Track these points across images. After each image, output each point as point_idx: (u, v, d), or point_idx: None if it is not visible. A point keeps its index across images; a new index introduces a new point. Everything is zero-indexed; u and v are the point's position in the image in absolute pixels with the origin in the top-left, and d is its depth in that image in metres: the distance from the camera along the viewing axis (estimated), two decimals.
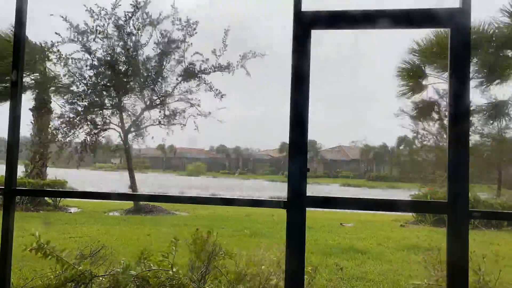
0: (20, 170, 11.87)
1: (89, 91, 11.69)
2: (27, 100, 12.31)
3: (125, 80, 11.66)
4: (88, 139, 11.90)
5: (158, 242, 7.03)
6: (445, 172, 2.72)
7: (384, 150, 15.26)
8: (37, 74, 12.22)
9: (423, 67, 11.20)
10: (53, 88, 12.34)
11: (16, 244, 3.27)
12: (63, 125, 11.85)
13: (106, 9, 11.24)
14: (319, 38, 2.91)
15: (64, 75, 11.75)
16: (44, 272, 4.44)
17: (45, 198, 11.66)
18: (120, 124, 12.13)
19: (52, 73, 12.11)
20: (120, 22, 11.27)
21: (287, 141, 2.86)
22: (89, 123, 11.88)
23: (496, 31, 10.10)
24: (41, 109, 12.54)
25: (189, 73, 11.44)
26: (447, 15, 2.75)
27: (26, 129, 12.54)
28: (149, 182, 15.48)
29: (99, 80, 11.66)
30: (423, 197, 10.47)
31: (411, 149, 13.60)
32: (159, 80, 11.64)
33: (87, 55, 11.44)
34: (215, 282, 4.19)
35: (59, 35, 11.27)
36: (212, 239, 4.34)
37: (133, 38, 11.39)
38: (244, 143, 16.27)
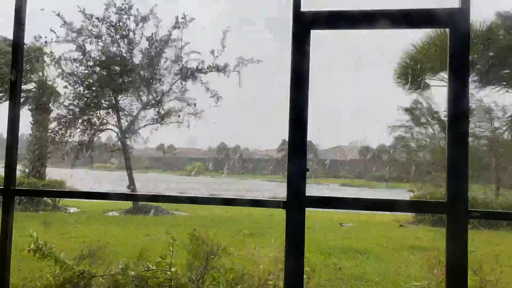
0: (19, 169, 11.88)
1: (85, 91, 11.67)
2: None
3: (120, 79, 11.64)
4: (86, 138, 11.89)
5: (157, 242, 7.02)
6: (444, 172, 2.72)
7: (383, 150, 15.26)
8: (35, 80, 12.24)
9: (422, 67, 11.20)
10: (49, 91, 12.36)
11: (15, 244, 3.27)
12: (60, 126, 11.84)
13: (95, 14, 11.26)
14: (319, 37, 2.91)
15: (58, 76, 11.75)
16: (43, 272, 4.44)
17: (44, 198, 11.64)
18: (117, 124, 12.13)
19: (49, 77, 12.15)
20: (112, 24, 11.27)
21: (287, 140, 2.87)
22: (85, 123, 11.86)
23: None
24: (40, 109, 12.54)
25: (186, 72, 11.42)
26: (446, 15, 2.75)
27: (25, 128, 12.56)
28: (148, 182, 15.47)
29: (94, 81, 11.65)
30: (422, 197, 10.47)
31: (410, 149, 13.60)
32: (155, 79, 11.63)
33: (81, 56, 11.43)
34: (213, 282, 4.20)
35: (54, 32, 11.24)
36: (209, 239, 4.34)
37: (128, 38, 11.37)
38: (243, 142, 16.27)
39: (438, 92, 11.51)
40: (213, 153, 16.94)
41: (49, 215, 11.11)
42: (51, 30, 11.23)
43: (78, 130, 11.87)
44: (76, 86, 11.65)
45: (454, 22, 2.72)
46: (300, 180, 2.82)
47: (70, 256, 4.38)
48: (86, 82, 11.64)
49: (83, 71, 11.56)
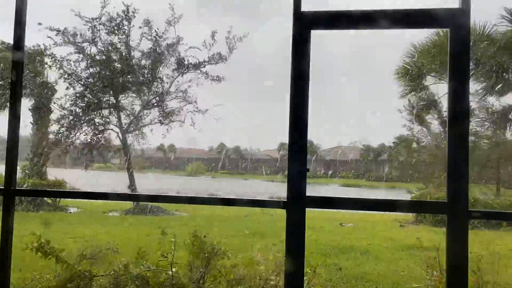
0: (20, 170, 11.89)
1: (86, 92, 11.69)
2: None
3: (121, 79, 11.65)
4: (92, 139, 11.90)
5: (158, 242, 7.02)
6: (445, 172, 2.72)
7: (383, 150, 15.25)
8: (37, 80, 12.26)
9: (422, 67, 11.21)
10: (50, 93, 12.38)
11: (15, 244, 3.27)
12: (63, 129, 11.85)
13: (91, 16, 11.27)
14: (320, 38, 2.92)
15: (60, 78, 11.76)
16: (44, 272, 4.44)
17: (45, 198, 11.65)
18: (118, 124, 12.13)
19: (49, 79, 12.17)
20: (108, 25, 11.29)
21: (287, 141, 2.87)
22: (88, 124, 11.87)
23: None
24: (41, 109, 12.54)
25: (184, 67, 11.42)
26: (446, 15, 2.75)
27: (25, 129, 12.58)
28: (149, 182, 15.47)
29: (95, 81, 11.66)
30: (422, 197, 10.47)
31: (411, 149, 13.60)
32: (155, 77, 11.63)
33: (82, 56, 11.45)
34: (214, 282, 4.20)
35: (52, 38, 11.29)
36: (210, 239, 4.34)
37: (126, 38, 11.38)
38: (244, 143, 16.26)
39: (439, 92, 11.52)
40: (214, 153, 16.94)
41: (49, 215, 11.11)
42: (48, 37, 11.28)
43: (79, 130, 11.88)
44: (76, 87, 11.67)
45: (455, 22, 2.72)
46: (300, 180, 2.82)
47: (71, 256, 4.38)
48: (86, 83, 11.65)
49: (83, 72, 11.58)
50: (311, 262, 4.95)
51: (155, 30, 11.42)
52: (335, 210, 9.41)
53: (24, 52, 3.44)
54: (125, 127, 12.18)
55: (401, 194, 13.93)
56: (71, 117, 11.80)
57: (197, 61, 11.39)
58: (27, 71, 11.68)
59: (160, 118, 11.88)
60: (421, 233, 9.25)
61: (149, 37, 11.41)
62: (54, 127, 12.18)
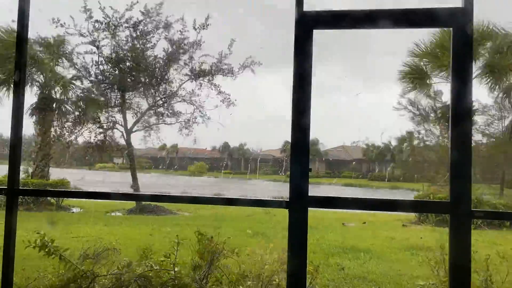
0: (22, 170, 11.92)
1: (94, 89, 11.72)
2: (30, 97, 12.35)
3: (129, 79, 11.66)
4: (95, 138, 11.91)
5: (161, 242, 7.04)
6: (448, 172, 2.72)
7: (386, 149, 15.23)
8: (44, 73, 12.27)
9: (425, 67, 11.19)
10: (59, 85, 12.38)
11: (18, 244, 3.28)
12: (68, 123, 11.89)
13: (118, 11, 11.26)
14: (321, 37, 2.92)
15: (69, 67, 11.79)
16: (47, 272, 4.45)
17: (48, 198, 11.68)
18: (123, 123, 12.15)
19: (60, 69, 12.17)
20: (132, 24, 11.28)
21: (290, 140, 2.87)
22: (93, 122, 11.89)
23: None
24: (44, 109, 12.57)
25: (196, 74, 11.44)
26: (449, 15, 2.75)
27: (28, 129, 12.62)
28: (151, 182, 15.49)
29: (104, 78, 11.66)
30: (425, 197, 10.46)
31: (414, 149, 13.57)
32: (165, 80, 11.64)
33: (94, 50, 11.44)
34: (217, 282, 4.20)
35: (73, 18, 11.22)
36: (215, 239, 4.35)
37: (142, 40, 11.39)
38: (247, 142, 16.27)
39: (442, 91, 11.49)
40: (216, 152, 16.95)
41: (52, 215, 11.15)
42: (71, 17, 11.20)
43: (85, 128, 11.90)
44: (86, 82, 11.71)
45: (457, 21, 2.71)
46: (303, 180, 2.82)
47: (73, 256, 4.39)
48: (96, 79, 11.67)
49: (93, 67, 11.58)
50: (314, 262, 4.96)
51: (179, 31, 11.40)
52: (337, 210, 9.42)
53: (27, 51, 3.45)
54: (130, 126, 12.20)
55: (404, 194, 13.92)
56: (76, 113, 11.83)
57: (210, 68, 11.40)
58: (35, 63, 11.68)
59: (165, 119, 11.91)
60: (424, 233, 9.24)
61: (167, 39, 11.41)
62: (57, 123, 12.21)
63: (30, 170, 12.75)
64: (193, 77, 11.46)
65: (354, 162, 16.15)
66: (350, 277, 5.88)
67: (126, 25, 11.29)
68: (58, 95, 12.56)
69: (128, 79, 11.60)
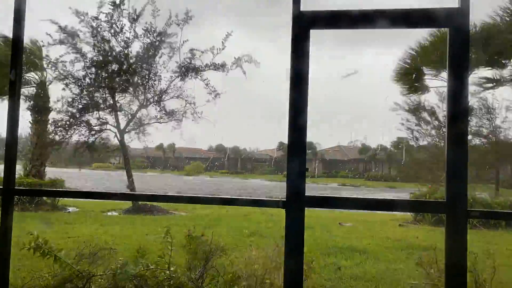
0: (18, 169, 11.87)
1: (83, 93, 11.65)
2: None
3: (118, 79, 11.62)
4: (88, 139, 11.88)
5: (157, 241, 7.03)
6: (444, 172, 2.73)
7: (383, 149, 15.27)
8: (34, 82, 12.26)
9: (421, 67, 11.22)
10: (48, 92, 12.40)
11: (14, 244, 3.27)
12: (59, 128, 11.82)
13: (88, 13, 11.22)
14: (319, 36, 2.92)
15: (56, 78, 11.74)
16: (42, 272, 4.43)
17: (44, 198, 11.64)
18: (116, 124, 12.11)
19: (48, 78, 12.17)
20: (107, 21, 11.24)
21: (286, 140, 2.87)
22: (85, 124, 11.84)
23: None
24: (40, 109, 12.53)
25: (184, 69, 11.39)
26: (446, 15, 2.75)
27: (24, 128, 12.58)
28: (147, 182, 15.47)
29: (92, 81, 11.62)
30: (422, 196, 10.49)
31: (410, 149, 13.61)
32: (153, 77, 11.60)
33: (78, 57, 11.41)
34: (213, 281, 4.20)
35: (50, 36, 11.22)
36: (208, 238, 4.34)
37: (120, 36, 11.33)
38: (243, 142, 16.27)
39: (438, 92, 11.53)
40: (213, 152, 16.93)
41: (48, 215, 11.10)
42: (47, 34, 11.23)
43: (78, 131, 11.85)
44: (73, 87, 11.64)
45: (454, 22, 2.72)
46: (299, 180, 2.82)
47: (69, 256, 4.37)
48: (83, 83, 11.62)
49: (79, 72, 11.54)
50: (310, 261, 4.96)
51: (152, 28, 11.35)
52: (334, 209, 9.43)
53: (23, 51, 3.44)
54: (123, 126, 12.16)
55: (400, 194, 13.96)
56: (67, 118, 11.77)
57: (200, 65, 11.36)
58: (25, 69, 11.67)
59: (159, 118, 11.86)
60: (420, 232, 9.26)
61: (150, 37, 11.36)
62: (51, 127, 12.17)
63: (22, 171, 12.71)
64: (183, 73, 11.42)
65: (350, 162, 16.19)
66: (346, 276, 5.89)
67: (100, 22, 11.25)
68: (51, 98, 12.53)
69: (116, 79, 11.56)
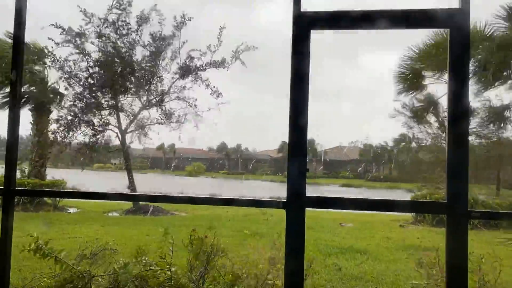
0: (19, 170, 11.88)
1: (85, 93, 11.66)
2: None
3: (120, 80, 11.63)
4: (90, 139, 11.87)
5: (157, 242, 7.03)
6: (445, 172, 2.72)
7: (383, 150, 15.27)
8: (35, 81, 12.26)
9: (422, 68, 11.22)
10: (50, 92, 12.39)
11: (15, 244, 3.27)
12: (61, 128, 11.83)
13: (94, 13, 11.24)
14: (320, 38, 2.91)
15: (60, 78, 11.75)
16: (43, 272, 4.43)
17: (44, 198, 11.64)
18: (117, 124, 12.12)
19: (50, 79, 12.18)
20: (113, 22, 11.25)
21: (287, 141, 2.86)
22: (86, 124, 11.85)
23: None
24: (40, 110, 12.55)
25: (185, 70, 11.41)
26: (446, 16, 2.75)
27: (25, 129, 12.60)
28: (148, 182, 15.47)
29: (95, 81, 11.63)
30: (422, 197, 10.48)
31: (411, 149, 13.61)
32: (155, 78, 11.61)
33: (82, 57, 11.42)
34: (214, 282, 4.20)
35: (52, 40, 11.27)
36: (210, 239, 4.34)
37: (127, 38, 11.37)
38: (244, 143, 16.27)
39: (438, 92, 11.53)
40: (213, 153, 16.93)
41: (49, 215, 11.11)
42: (49, 39, 11.26)
43: (79, 131, 11.86)
44: (76, 87, 11.65)
45: (454, 22, 2.72)
46: (300, 180, 2.81)
47: (70, 256, 4.37)
48: (86, 83, 11.62)
49: (83, 73, 11.55)
50: (311, 262, 4.95)
51: (155, 31, 11.40)
52: (334, 210, 9.42)
53: (24, 51, 3.44)
54: (125, 127, 12.17)
55: (401, 194, 13.94)
56: (69, 117, 11.77)
57: (201, 64, 11.37)
58: (27, 72, 11.68)
59: (160, 119, 11.87)
60: (420, 233, 9.26)
61: (150, 38, 11.40)
62: (53, 126, 12.18)
63: (27, 170, 12.71)
64: (183, 73, 11.43)
65: (351, 162, 16.18)
66: (347, 277, 5.89)
67: (107, 25, 11.27)
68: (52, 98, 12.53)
69: (119, 80, 11.57)
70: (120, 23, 11.22)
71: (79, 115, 11.75)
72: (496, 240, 7.36)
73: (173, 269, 4.19)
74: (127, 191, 11.96)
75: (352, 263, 6.71)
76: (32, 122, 12.67)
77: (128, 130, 12.22)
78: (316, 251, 7.29)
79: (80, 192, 5.36)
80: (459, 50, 2.69)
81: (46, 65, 12.02)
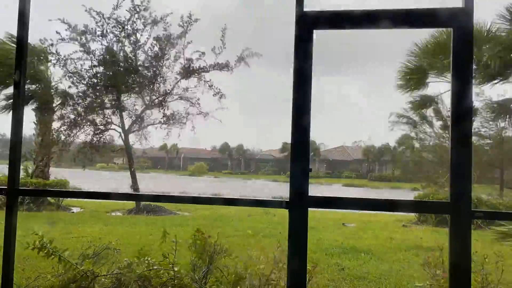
0: (23, 170, 11.92)
1: (89, 92, 11.68)
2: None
3: (124, 80, 11.65)
4: (93, 139, 11.89)
5: (160, 242, 7.03)
6: (448, 172, 2.71)
7: (386, 150, 15.24)
8: (39, 81, 12.28)
9: (425, 67, 11.18)
10: (53, 91, 12.41)
11: (18, 244, 3.28)
12: (64, 127, 11.85)
13: (102, 12, 11.26)
14: (323, 36, 2.91)
15: (64, 76, 11.77)
16: (47, 272, 4.45)
17: (48, 198, 11.67)
18: (120, 124, 12.13)
19: (54, 78, 12.21)
20: (119, 22, 11.27)
21: (290, 141, 2.86)
22: (90, 123, 11.87)
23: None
24: (44, 109, 12.57)
25: (188, 71, 11.42)
26: (449, 15, 2.74)
27: (29, 129, 12.63)
28: (151, 182, 15.49)
29: (98, 81, 11.64)
30: (426, 196, 10.46)
31: (414, 149, 13.58)
32: (159, 79, 11.62)
33: (86, 55, 11.45)
34: (217, 282, 4.20)
35: (59, 34, 11.28)
36: (213, 239, 4.34)
37: (132, 38, 11.39)
38: (247, 143, 16.27)
39: (442, 91, 11.50)
40: (216, 153, 16.94)
41: (52, 215, 11.14)
42: (57, 33, 11.27)
43: (82, 130, 11.88)
44: (80, 86, 11.67)
45: (458, 22, 2.71)
46: (303, 180, 2.81)
47: (73, 256, 4.39)
48: (90, 82, 11.64)
49: (87, 71, 11.56)
50: (314, 262, 4.96)
51: (161, 32, 11.42)
52: (337, 210, 9.42)
53: (28, 51, 3.45)
54: (128, 127, 12.18)
55: (404, 194, 13.92)
56: (73, 116, 11.80)
57: (205, 65, 11.38)
58: (31, 70, 11.70)
59: (163, 119, 11.88)
60: (424, 233, 9.23)
61: (155, 39, 11.42)
62: (55, 124, 12.21)
63: (30, 170, 12.74)
64: (186, 73, 11.45)
65: (354, 162, 16.16)
66: (350, 277, 5.88)
67: (114, 25, 11.29)
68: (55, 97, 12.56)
69: (123, 80, 11.59)
70: (128, 23, 11.25)
71: (83, 114, 11.78)
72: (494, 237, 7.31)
73: (176, 268, 4.20)
74: (130, 191, 11.98)
75: (355, 263, 6.70)
76: (36, 122, 12.70)
77: (131, 130, 12.24)
78: (319, 251, 7.29)
79: (84, 191, 5.37)
80: (462, 49, 2.69)
81: (50, 62, 12.02)
